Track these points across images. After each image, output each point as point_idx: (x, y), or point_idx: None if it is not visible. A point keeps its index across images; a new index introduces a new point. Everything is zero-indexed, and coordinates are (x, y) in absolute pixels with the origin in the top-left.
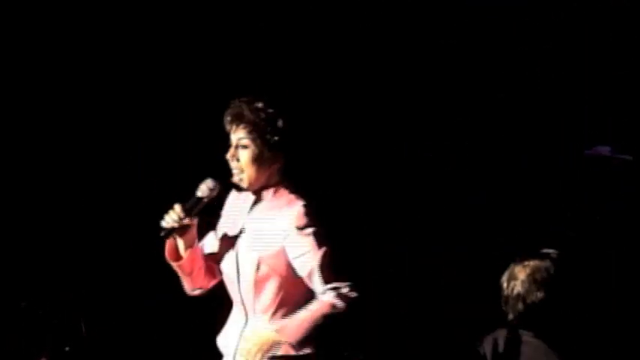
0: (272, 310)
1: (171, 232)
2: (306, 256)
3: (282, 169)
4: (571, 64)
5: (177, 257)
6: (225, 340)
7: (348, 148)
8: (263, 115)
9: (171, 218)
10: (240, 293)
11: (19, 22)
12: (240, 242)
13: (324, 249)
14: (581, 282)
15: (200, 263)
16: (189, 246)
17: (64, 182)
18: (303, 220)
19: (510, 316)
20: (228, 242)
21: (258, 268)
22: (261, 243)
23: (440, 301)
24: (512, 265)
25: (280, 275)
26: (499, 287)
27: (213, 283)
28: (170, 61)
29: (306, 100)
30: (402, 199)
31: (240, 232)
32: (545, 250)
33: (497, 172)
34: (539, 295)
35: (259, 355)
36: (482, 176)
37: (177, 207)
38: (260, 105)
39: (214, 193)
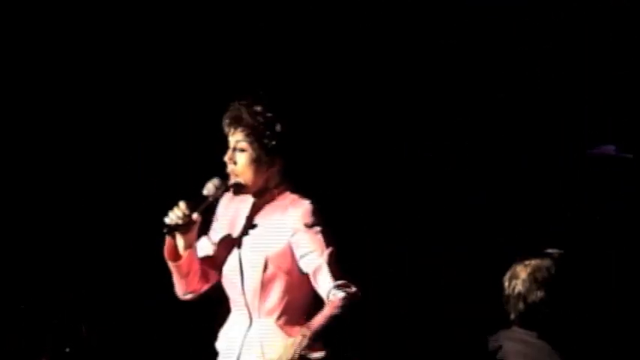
0: (278, 312)
1: (174, 229)
2: (314, 254)
3: (282, 171)
4: (571, 64)
5: (176, 257)
6: (226, 344)
7: (348, 148)
8: (261, 119)
9: (175, 215)
10: (244, 296)
11: (19, 22)
12: (243, 245)
13: (331, 248)
14: (581, 282)
15: (197, 265)
16: (188, 245)
17: (64, 182)
18: (311, 218)
19: (512, 316)
20: (228, 245)
21: (265, 269)
22: (267, 243)
23: (440, 301)
24: (514, 265)
25: (286, 275)
26: (500, 287)
27: (205, 287)
28: (170, 61)
29: (306, 101)
30: (402, 199)
31: (242, 234)
32: (548, 250)
33: (497, 172)
34: (539, 294)
35: None
36: (482, 176)
37: (182, 204)
38: (259, 108)
39: (220, 192)
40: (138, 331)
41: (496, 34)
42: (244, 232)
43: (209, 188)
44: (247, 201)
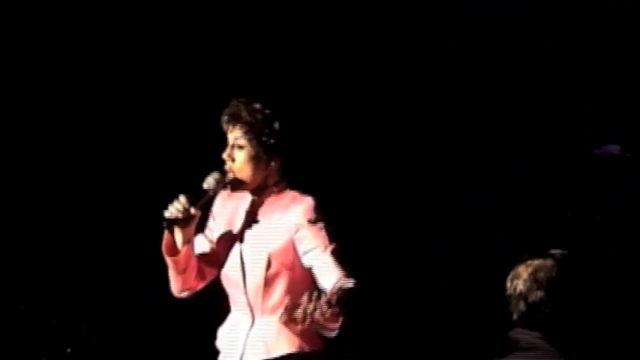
0: (281, 309)
1: (173, 222)
2: (318, 250)
3: (281, 168)
4: (571, 64)
5: (174, 252)
6: (227, 344)
7: (349, 148)
8: (260, 117)
9: (175, 208)
10: (246, 295)
11: (19, 22)
12: (244, 242)
13: (334, 243)
14: (582, 282)
15: (194, 262)
16: (187, 240)
17: (64, 182)
18: (314, 214)
19: (514, 316)
20: (228, 244)
21: (268, 266)
22: (270, 240)
23: (440, 301)
24: (517, 265)
25: (289, 271)
26: (500, 287)
27: (201, 285)
28: (170, 61)
29: (306, 100)
30: (402, 199)
31: (242, 232)
32: (552, 251)
33: (497, 172)
34: (540, 294)
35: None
36: (482, 176)
37: (182, 197)
38: (258, 106)
39: (220, 187)
40: (138, 331)
41: (496, 34)
42: (244, 229)
43: (209, 182)
44: (246, 199)
